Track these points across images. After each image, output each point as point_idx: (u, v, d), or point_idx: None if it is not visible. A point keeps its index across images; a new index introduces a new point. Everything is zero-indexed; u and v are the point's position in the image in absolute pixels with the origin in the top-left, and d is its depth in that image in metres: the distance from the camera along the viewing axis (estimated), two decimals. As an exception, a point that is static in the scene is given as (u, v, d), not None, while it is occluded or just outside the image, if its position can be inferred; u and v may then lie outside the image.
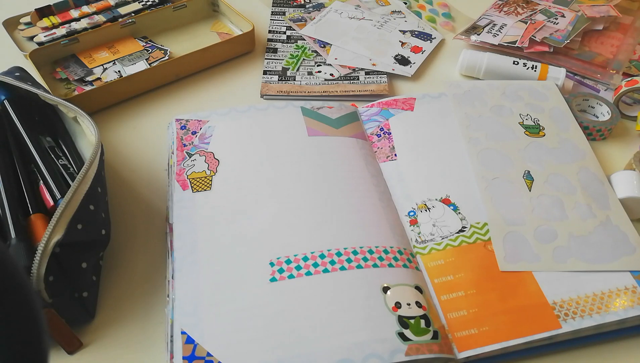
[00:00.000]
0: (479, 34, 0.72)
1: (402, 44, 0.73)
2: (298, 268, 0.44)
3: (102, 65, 0.67)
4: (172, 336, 0.40)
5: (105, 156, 0.53)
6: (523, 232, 0.48)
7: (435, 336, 0.41)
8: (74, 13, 0.74)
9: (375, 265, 0.44)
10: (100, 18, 0.73)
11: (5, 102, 0.52)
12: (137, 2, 0.76)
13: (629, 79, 0.63)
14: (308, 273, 0.44)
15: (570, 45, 0.70)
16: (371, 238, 0.47)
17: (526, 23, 0.73)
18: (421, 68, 0.70)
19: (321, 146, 0.54)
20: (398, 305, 0.42)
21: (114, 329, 0.44)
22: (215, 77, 0.68)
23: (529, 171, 0.53)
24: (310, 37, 0.73)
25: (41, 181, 0.46)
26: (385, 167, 0.54)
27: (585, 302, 0.44)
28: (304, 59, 0.70)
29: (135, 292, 0.46)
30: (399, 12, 0.79)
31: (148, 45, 0.71)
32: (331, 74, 0.68)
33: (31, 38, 0.70)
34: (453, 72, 0.71)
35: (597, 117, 0.63)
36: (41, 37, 0.69)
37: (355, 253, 0.45)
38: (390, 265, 0.45)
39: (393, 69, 0.69)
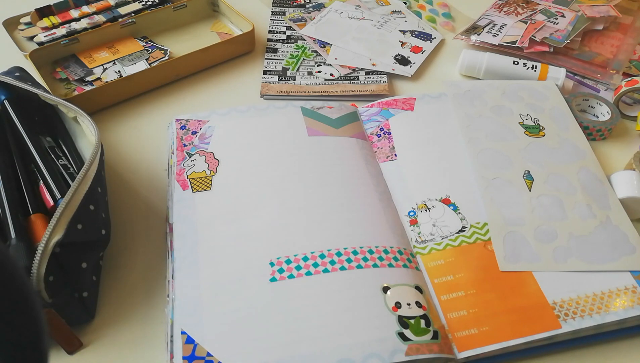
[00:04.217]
0: (479, 34, 0.72)
1: (402, 44, 0.73)
2: (298, 268, 0.44)
3: (102, 65, 0.67)
4: (172, 336, 0.40)
5: (105, 156, 0.53)
6: (523, 232, 0.48)
7: (435, 336, 0.41)
8: (74, 13, 0.74)
9: (375, 265, 0.44)
10: (100, 18, 0.73)
11: (5, 102, 0.52)
12: (137, 2, 0.76)
13: (629, 79, 0.63)
14: (308, 273, 0.44)
15: (570, 45, 0.70)
16: (371, 238, 0.47)
17: (526, 23, 0.73)
18: (421, 68, 0.70)
19: (321, 146, 0.54)
20: (398, 305, 0.42)
21: (114, 329, 0.44)
22: (215, 77, 0.68)
23: (529, 171, 0.53)
24: (310, 37, 0.73)
25: (41, 181, 0.46)
26: (385, 167, 0.54)
27: (585, 302, 0.44)
28: (304, 59, 0.70)
29: (135, 292, 0.46)
30: (399, 12, 0.79)
31: (148, 45, 0.71)
32: (331, 74, 0.68)
33: (31, 38, 0.70)
34: (453, 72, 0.71)
35: (597, 117, 0.63)
36: (41, 37, 0.69)
37: (355, 253, 0.45)
38: (390, 265, 0.45)
39: (393, 69, 0.69)
